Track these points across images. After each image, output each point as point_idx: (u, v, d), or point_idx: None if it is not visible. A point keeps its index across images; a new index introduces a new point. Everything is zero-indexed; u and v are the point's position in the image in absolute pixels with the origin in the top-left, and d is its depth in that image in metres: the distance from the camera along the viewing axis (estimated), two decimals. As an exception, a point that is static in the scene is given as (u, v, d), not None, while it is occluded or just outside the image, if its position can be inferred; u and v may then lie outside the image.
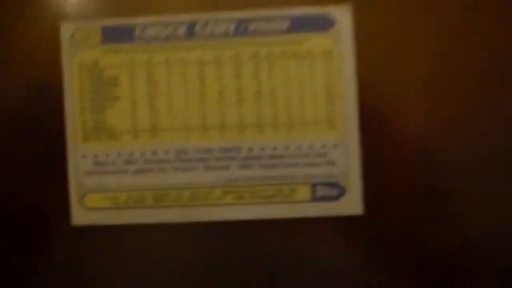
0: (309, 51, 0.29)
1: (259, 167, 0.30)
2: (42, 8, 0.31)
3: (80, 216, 0.30)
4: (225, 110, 0.30)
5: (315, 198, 0.29)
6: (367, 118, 0.29)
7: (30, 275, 0.31)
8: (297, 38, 0.29)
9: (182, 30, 0.30)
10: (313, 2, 0.29)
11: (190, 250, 0.30)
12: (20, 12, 0.31)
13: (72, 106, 0.30)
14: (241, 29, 0.30)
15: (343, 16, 0.29)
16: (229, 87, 0.30)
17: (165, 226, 0.30)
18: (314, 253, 0.30)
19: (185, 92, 0.30)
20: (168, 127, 0.30)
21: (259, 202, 0.30)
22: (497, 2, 0.29)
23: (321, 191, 0.29)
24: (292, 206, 0.30)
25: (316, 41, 0.29)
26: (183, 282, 0.30)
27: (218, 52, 0.30)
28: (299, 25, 0.29)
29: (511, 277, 0.29)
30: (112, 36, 0.30)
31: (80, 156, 0.30)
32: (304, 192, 0.30)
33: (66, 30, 0.30)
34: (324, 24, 0.29)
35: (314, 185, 0.29)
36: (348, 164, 0.29)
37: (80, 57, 0.30)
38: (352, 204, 0.29)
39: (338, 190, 0.29)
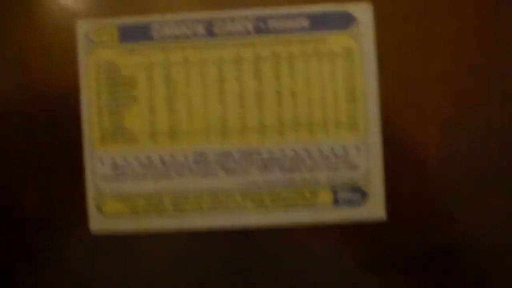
0: (330, 50, 0.29)
1: (279, 171, 0.29)
2: (58, 6, 0.30)
3: (98, 223, 0.30)
4: (245, 111, 0.29)
5: (336, 203, 0.29)
6: (389, 118, 0.29)
7: (46, 283, 0.30)
8: (318, 36, 0.29)
9: (200, 28, 0.29)
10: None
11: (209, 257, 0.30)
12: (35, 10, 0.30)
13: (89, 107, 0.30)
14: (261, 27, 0.29)
15: (364, 13, 0.29)
16: (249, 88, 0.29)
17: (183, 233, 0.30)
18: (335, 259, 0.29)
19: (204, 92, 0.29)
20: (187, 130, 0.29)
21: (279, 206, 0.29)
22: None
23: (343, 195, 0.29)
24: (314, 211, 0.29)
25: (336, 39, 0.29)
26: None
27: (238, 51, 0.29)
28: (319, 23, 0.29)
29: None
30: (129, 34, 0.29)
31: (98, 160, 0.30)
32: (326, 197, 0.29)
33: (82, 29, 0.30)
34: (344, 22, 0.29)
35: (335, 189, 0.29)
36: (369, 167, 0.29)
37: (96, 57, 0.30)
38: (374, 209, 0.29)
39: (360, 195, 0.29)
